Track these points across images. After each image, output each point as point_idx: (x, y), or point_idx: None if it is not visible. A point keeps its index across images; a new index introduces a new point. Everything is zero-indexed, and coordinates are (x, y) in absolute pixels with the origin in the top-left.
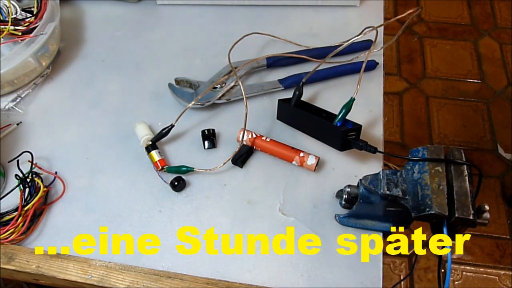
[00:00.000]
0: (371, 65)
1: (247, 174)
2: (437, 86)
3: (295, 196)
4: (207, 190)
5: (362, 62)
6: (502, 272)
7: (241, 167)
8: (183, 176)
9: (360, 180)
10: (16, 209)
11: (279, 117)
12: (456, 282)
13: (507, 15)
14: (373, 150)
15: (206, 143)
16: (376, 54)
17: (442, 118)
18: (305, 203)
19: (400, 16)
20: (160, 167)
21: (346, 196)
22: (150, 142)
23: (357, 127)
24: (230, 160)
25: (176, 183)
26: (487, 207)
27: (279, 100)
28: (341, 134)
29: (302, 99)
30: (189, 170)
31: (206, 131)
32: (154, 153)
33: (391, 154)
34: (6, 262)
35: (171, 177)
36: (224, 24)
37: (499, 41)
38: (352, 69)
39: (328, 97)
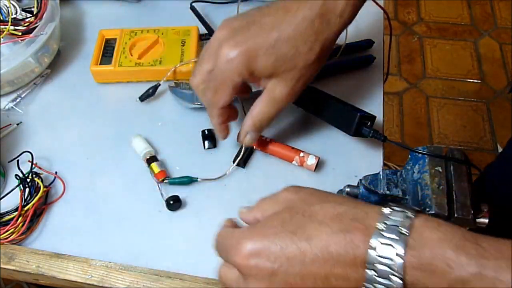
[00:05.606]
0: (368, 60)
1: (247, 174)
2: (437, 86)
3: None
4: (207, 190)
5: (360, 56)
6: None
7: (243, 167)
8: (185, 188)
9: (360, 180)
10: (16, 209)
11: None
12: None
13: (507, 15)
14: (383, 138)
15: (206, 143)
16: (376, 54)
17: (442, 118)
18: None
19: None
20: (162, 179)
21: None
22: (150, 155)
23: (372, 117)
24: (231, 161)
25: (171, 202)
26: (486, 208)
27: None
28: (357, 118)
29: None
30: (193, 180)
31: (206, 131)
32: (155, 164)
33: (399, 143)
34: (6, 262)
35: (172, 190)
36: None
37: (499, 41)
38: (351, 65)
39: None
